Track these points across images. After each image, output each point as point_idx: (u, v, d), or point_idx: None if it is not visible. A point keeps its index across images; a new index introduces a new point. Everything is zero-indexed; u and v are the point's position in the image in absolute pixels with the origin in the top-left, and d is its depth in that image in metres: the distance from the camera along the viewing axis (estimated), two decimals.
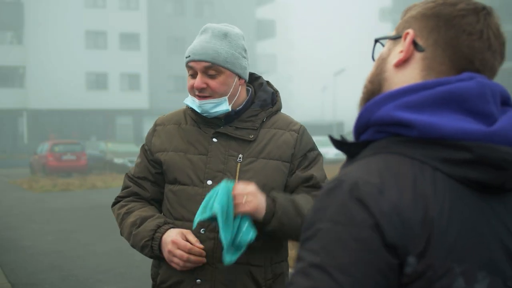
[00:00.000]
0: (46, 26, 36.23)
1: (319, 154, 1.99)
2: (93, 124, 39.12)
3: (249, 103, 1.96)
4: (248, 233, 1.70)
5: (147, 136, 2.03)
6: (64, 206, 13.09)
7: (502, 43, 0.95)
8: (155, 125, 2.03)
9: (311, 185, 1.90)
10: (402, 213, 0.81)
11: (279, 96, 2.04)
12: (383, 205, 0.81)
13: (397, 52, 0.98)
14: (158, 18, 40.11)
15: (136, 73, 39.07)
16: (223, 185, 1.70)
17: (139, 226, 1.88)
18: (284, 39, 78.07)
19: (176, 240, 1.78)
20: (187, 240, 1.79)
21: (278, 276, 1.91)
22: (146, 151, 2.00)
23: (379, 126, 0.90)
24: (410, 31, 0.97)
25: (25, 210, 12.55)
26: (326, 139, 21.23)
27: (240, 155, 1.88)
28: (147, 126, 38.60)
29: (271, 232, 1.77)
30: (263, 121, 1.94)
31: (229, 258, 1.69)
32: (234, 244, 1.69)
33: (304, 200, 1.83)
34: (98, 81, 38.60)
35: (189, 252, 1.77)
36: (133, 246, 1.94)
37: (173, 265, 1.80)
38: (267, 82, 2.07)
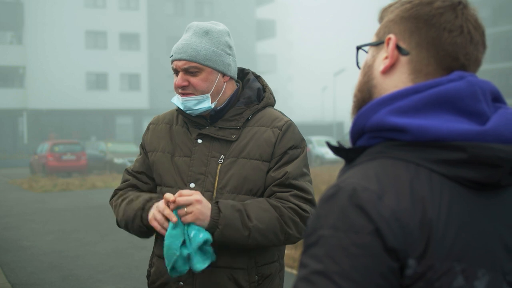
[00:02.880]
0: (46, 26, 36.23)
1: (303, 151, 1.89)
2: (93, 124, 39.13)
3: (232, 101, 1.93)
4: (196, 238, 1.71)
5: (143, 134, 2.09)
6: (64, 206, 13.09)
7: (482, 33, 0.96)
8: (149, 123, 2.08)
9: (281, 183, 1.82)
10: (401, 218, 0.82)
11: (269, 91, 1.98)
12: (382, 211, 0.82)
13: (382, 58, 0.98)
14: (158, 18, 40.12)
15: (136, 73, 39.08)
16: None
17: (131, 202, 1.90)
18: (284, 39, 78.04)
19: (159, 204, 1.77)
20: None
21: (266, 278, 1.88)
22: (143, 148, 2.06)
23: (374, 132, 0.91)
24: (392, 36, 0.97)
25: (25, 210, 12.53)
26: (326, 139, 21.25)
27: (222, 156, 1.87)
28: None
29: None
30: (247, 119, 1.91)
31: (199, 265, 1.72)
32: (191, 251, 1.71)
33: (259, 210, 1.78)
34: (98, 81, 38.59)
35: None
36: (126, 225, 1.92)
37: (155, 224, 1.77)
38: (257, 77, 2.03)
